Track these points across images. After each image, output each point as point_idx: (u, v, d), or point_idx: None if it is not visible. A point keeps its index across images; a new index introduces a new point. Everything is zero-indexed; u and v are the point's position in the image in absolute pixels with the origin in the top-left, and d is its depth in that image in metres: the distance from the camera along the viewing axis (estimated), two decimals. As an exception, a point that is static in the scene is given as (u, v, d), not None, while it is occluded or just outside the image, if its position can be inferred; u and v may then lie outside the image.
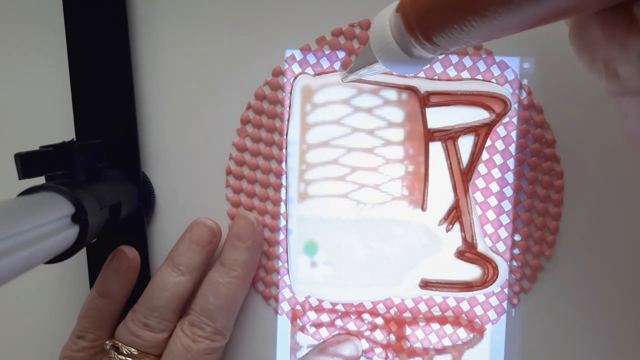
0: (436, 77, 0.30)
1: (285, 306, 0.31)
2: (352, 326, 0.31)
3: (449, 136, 0.30)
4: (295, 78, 0.30)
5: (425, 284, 0.31)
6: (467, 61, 0.30)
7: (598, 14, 0.18)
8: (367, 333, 0.31)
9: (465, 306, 0.31)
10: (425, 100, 0.30)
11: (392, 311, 0.31)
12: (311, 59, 0.30)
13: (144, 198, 0.30)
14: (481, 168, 0.30)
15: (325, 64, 0.30)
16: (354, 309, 0.31)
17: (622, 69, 0.18)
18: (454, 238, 0.31)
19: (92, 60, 0.29)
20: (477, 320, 0.31)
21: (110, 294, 0.28)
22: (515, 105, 0.30)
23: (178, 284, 0.28)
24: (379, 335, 0.31)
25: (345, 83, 0.30)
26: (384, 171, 0.31)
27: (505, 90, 0.30)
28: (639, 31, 0.17)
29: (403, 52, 0.20)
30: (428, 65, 0.22)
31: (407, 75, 0.30)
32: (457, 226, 0.31)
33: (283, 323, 0.31)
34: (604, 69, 0.19)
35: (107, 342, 0.28)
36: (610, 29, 0.18)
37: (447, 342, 0.31)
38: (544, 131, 0.30)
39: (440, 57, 0.30)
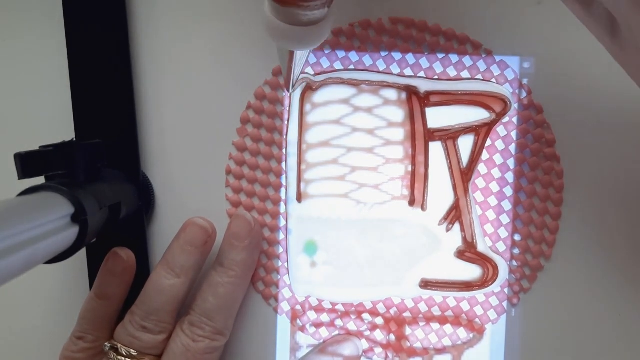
0: (436, 77, 0.30)
1: (285, 306, 0.31)
2: (352, 326, 0.31)
3: (449, 136, 0.30)
4: (295, 78, 0.30)
5: (425, 284, 0.31)
6: (467, 61, 0.30)
7: None
8: (367, 333, 0.31)
9: (465, 306, 0.31)
10: (425, 100, 0.30)
11: (392, 311, 0.31)
12: (311, 58, 0.30)
13: (144, 198, 0.30)
14: (481, 168, 0.30)
15: (325, 63, 0.30)
16: (354, 309, 0.31)
17: None
18: (454, 238, 0.31)
19: (92, 60, 0.29)
20: (477, 320, 0.31)
21: (107, 296, 0.28)
22: (515, 105, 0.30)
23: (173, 286, 0.28)
24: (379, 335, 0.31)
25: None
26: (384, 171, 0.31)
27: (506, 90, 0.30)
28: None
29: (294, 24, 0.20)
30: (330, 31, 0.22)
31: (406, 74, 0.30)
32: (457, 226, 0.31)
33: (283, 323, 0.31)
34: None
35: (106, 343, 0.28)
36: None
37: (447, 342, 0.31)
38: (544, 131, 0.30)
39: (440, 56, 0.30)
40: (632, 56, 0.19)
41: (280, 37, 0.21)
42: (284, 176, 0.31)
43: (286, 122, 0.31)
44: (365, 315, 0.31)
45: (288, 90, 0.27)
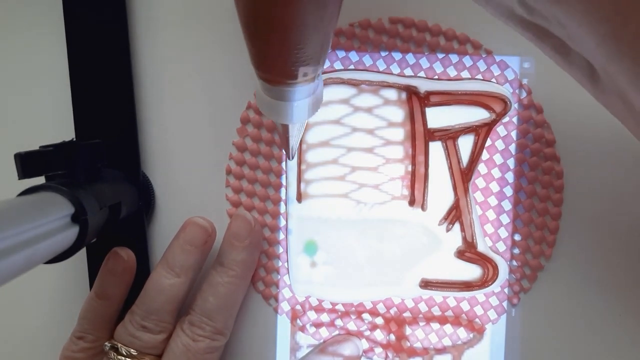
0: (436, 77, 0.30)
1: (285, 306, 0.31)
2: (352, 326, 0.31)
3: (449, 136, 0.30)
4: (295, 78, 0.30)
5: (426, 284, 0.31)
6: (467, 61, 0.30)
7: None
8: (367, 333, 0.31)
9: (465, 306, 0.31)
10: (425, 100, 0.30)
11: (392, 311, 0.31)
12: (311, 58, 0.30)
13: (144, 198, 0.30)
14: (481, 168, 0.30)
15: (325, 63, 0.30)
16: (354, 309, 0.31)
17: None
18: (454, 238, 0.31)
19: (92, 60, 0.29)
20: (477, 320, 0.31)
21: (107, 296, 0.28)
22: (516, 105, 0.30)
23: (173, 286, 0.28)
24: (379, 335, 0.31)
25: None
26: (384, 171, 0.31)
27: (506, 90, 0.30)
28: None
29: (287, 100, 0.21)
30: (321, 103, 0.23)
31: (406, 74, 0.30)
32: (457, 226, 0.31)
33: (283, 323, 0.31)
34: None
35: (106, 343, 0.28)
36: None
37: (447, 341, 0.31)
38: (544, 131, 0.30)
39: (440, 56, 0.30)
40: (613, 99, 0.20)
41: (272, 113, 0.21)
42: (284, 176, 0.31)
43: (286, 122, 0.31)
44: (365, 315, 0.31)
45: (289, 158, 0.27)
